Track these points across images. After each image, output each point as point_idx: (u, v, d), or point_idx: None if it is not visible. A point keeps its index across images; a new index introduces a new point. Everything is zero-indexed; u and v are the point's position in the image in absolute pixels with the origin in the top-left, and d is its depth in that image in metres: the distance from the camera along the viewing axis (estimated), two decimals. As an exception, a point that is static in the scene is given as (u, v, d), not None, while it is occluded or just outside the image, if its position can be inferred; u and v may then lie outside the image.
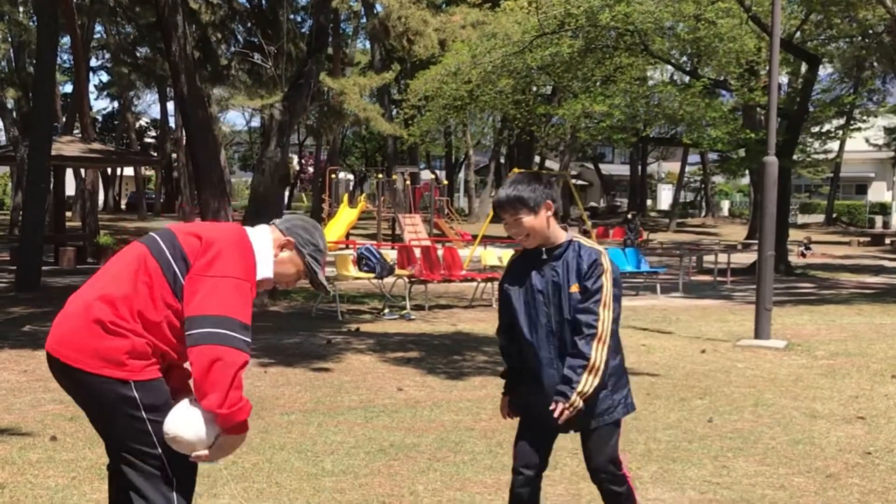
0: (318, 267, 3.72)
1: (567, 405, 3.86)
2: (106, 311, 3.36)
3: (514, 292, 4.09)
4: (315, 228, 3.75)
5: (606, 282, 3.91)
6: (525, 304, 4.03)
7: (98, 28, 41.48)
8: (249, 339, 3.40)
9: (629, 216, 33.76)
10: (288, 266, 3.68)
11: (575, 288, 3.93)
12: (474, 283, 17.89)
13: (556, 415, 3.87)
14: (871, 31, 28.95)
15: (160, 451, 3.41)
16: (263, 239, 3.61)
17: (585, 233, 30.53)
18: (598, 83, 28.75)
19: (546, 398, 3.94)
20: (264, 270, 3.57)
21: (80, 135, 30.81)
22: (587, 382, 3.86)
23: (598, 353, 3.86)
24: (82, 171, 35.93)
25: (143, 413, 3.40)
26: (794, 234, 35.95)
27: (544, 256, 4.01)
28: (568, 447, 6.56)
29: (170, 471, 3.44)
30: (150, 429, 3.40)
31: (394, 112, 46.64)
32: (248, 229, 3.64)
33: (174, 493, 3.46)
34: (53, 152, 20.21)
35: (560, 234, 4.03)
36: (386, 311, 15.35)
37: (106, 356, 3.35)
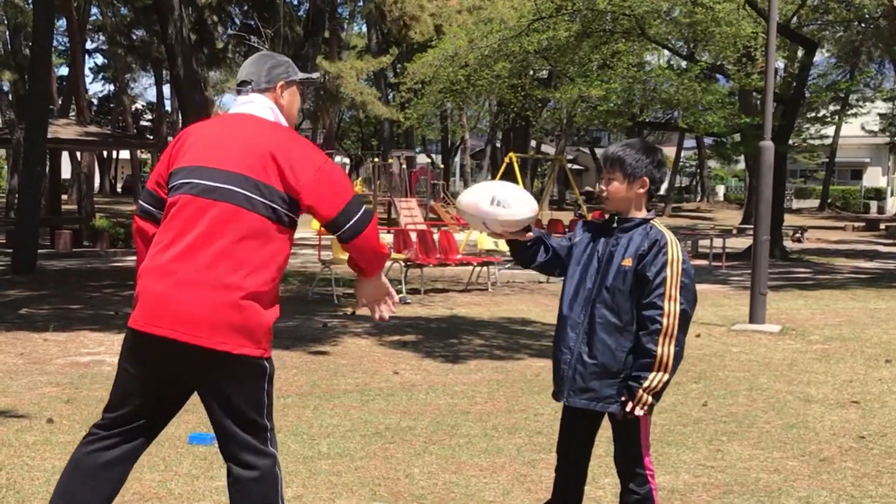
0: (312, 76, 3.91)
1: (635, 401, 3.82)
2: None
3: (581, 246, 4.05)
4: (271, 56, 3.85)
5: (671, 273, 3.82)
6: (581, 267, 4.00)
7: (94, 10, 41.30)
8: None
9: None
10: (296, 106, 3.83)
11: (627, 262, 3.86)
12: (470, 267, 17.91)
13: (627, 410, 3.84)
14: (867, 17, 28.94)
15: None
16: (269, 109, 3.69)
17: (581, 217, 30.56)
18: (594, 67, 28.72)
19: (564, 358, 3.95)
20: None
21: (75, 118, 30.81)
22: (655, 378, 3.79)
23: (664, 349, 3.79)
24: (78, 154, 35.92)
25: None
26: (789, 219, 36.00)
27: (615, 225, 3.99)
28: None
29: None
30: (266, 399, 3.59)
31: (390, 96, 46.55)
32: (257, 114, 3.67)
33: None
34: (49, 135, 20.17)
35: (640, 213, 3.99)
36: (382, 294, 15.33)
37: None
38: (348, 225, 3.55)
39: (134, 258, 4.04)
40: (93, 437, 3.64)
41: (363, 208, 3.59)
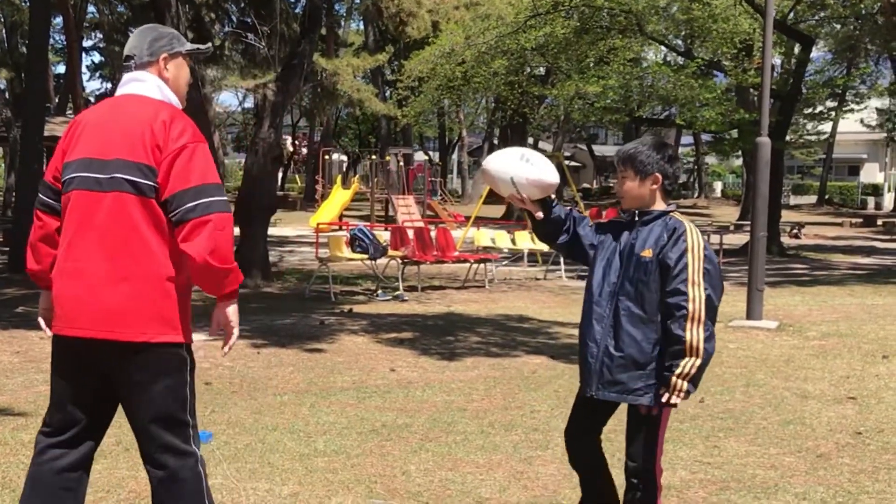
0: (198, 47, 3.81)
1: (670, 389, 3.84)
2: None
3: (604, 245, 4.09)
4: (154, 28, 3.77)
5: (693, 259, 3.84)
6: (605, 262, 4.03)
7: (91, 8, 41.22)
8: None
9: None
10: (183, 79, 3.73)
11: (647, 252, 3.90)
12: (467, 265, 17.91)
13: (664, 401, 3.86)
14: (864, 12, 28.92)
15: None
16: (155, 85, 3.61)
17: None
18: (591, 64, 28.71)
19: (592, 351, 3.97)
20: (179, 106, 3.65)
21: (73, 115, 30.70)
22: (687, 364, 3.80)
23: (693, 333, 3.80)
24: (75, 151, 35.83)
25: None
26: (786, 216, 36.02)
27: (636, 219, 4.03)
28: (560, 427, 6.60)
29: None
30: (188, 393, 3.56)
31: (387, 93, 46.52)
32: (143, 93, 3.59)
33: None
34: (46, 133, 20.13)
35: (659, 206, 4.02)
36: (379, 292, 15.36)
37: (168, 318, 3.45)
38: (179, 210, 3.40)
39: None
40: (41, 447, 3.63)
41: (203, 201, 3.39)
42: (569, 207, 4.33)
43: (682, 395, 3.84)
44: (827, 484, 5.49)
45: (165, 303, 3.42)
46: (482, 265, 17.79)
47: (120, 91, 3.65)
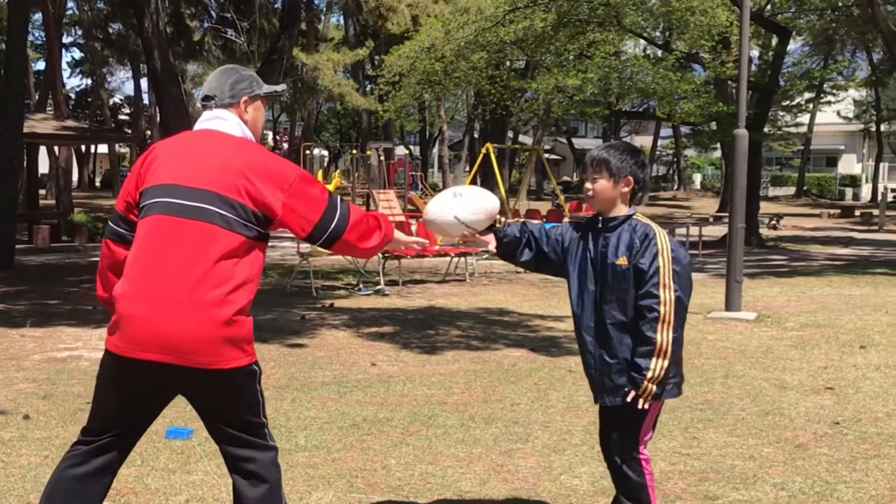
0: (275, 89, 3.89)
1: (639, 391, 3.89)
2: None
3: (573, 250, 4.14)
4: (235, 70, 3.82)
5: (663, 262, 3.89)
6: (579, 271, 4.09)
7: (70, 4, 41.01)
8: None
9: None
10: (260, 121, 3.81)
11: (622, 260, 3.94)
12: (448, 258, 17.93)
13: (629, 400, 3.92)
14: (840, 4, 29.06)
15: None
16: (237, 125, 3.67)
17: (559, 206, 30.61)
18: (571, 57, 28.76)
19: (590, 363, 4.05)
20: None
21: (52, 112, 30.60)
22: (656, 366, 3.86)
23: (663, 336, 3.86)
24: (56, 148, 35.68)
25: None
26: (765, 207, 36.17)
27: (600, 226, 4.07)
28: (540, 420, 6.64)
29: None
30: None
31: (368, 88, 46.44)
32: (225, 131, 3.66)
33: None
34: (26, 130, 20.06)
35: (622, 210, 4.06)
36: (360, 286, 15.37)
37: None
38: (324, 238, 3.62)
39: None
40: (74, 454, 3.62)
41: (337, 216, 3.63)
42: (522, 222, 4.37)
43: (650, 398, 3.91)
44: (805, 474, 5.54)
45: (237, 329, 3.44)
46: (463, 259, 17.83)
47: (201, 126, 3.68)
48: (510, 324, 11.57)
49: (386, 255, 16.11)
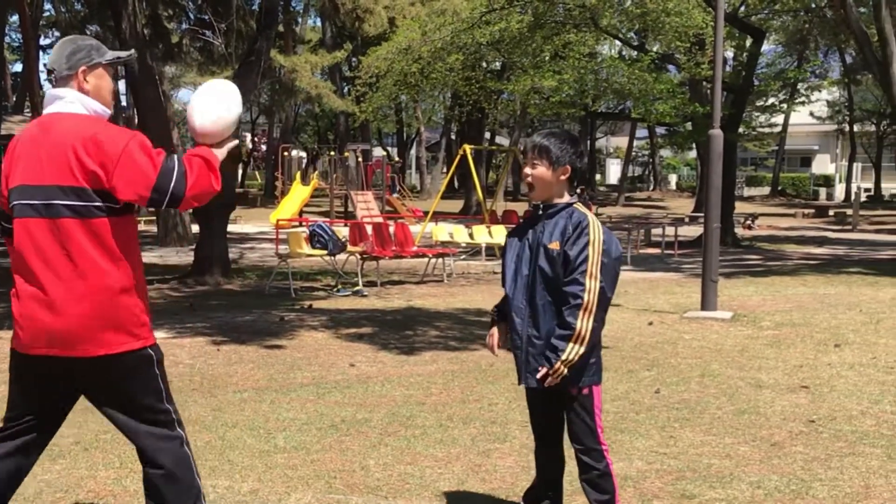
0: (119, 55, 3.82)
1: (551, 371, 3.97)
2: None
3: (512, 245, 4.23)
4: (73, 41, 3.76)
5: (593, 252, 3.97)
6: (516, 257, 4.17)
7: (47, 6, 40.75)
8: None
9: (578, 191, 33.88)
10: (105, 89, 3.73)
11: (555, 245, 4.02)
12: (426, 259, 17.96)
13: (539, 377, 4.01)
14: (813, 6, 29.25)
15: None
16: (76, 100, 3.62)
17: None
18: (547, 58, 28.82)
19: (517, 343, 4.13)
20: (106, 113, 3.69)
21: (30, 114, 30.39)
22: (572, 351, 3.94)
23: (583, 323, 3.94)
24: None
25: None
26: (740, 207, 36.35)
27: (540, 212, 4.16)
28: (518, 420, 6.66)
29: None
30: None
31: (346, 89, 46.41)
32: (66, 111, 3.61)
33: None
34: (4, 131, 19.99)
35: (563, 198, 4.15)
36: (338, 287, 15.37)
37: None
38: (166, 200, 3.50)
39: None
40: None
41: (174, 177, 3.49)
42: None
43: (558, 379, 3.99)
44: (781, 472, 5.58)
45: (121, 314, 3.53)
46: (441, 260, 17.85)
47: (46, 110, 3.67)
48: (488, 324, 11.56)
49: (364, 256, 16.13)
